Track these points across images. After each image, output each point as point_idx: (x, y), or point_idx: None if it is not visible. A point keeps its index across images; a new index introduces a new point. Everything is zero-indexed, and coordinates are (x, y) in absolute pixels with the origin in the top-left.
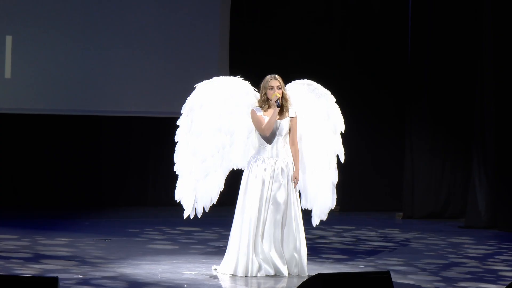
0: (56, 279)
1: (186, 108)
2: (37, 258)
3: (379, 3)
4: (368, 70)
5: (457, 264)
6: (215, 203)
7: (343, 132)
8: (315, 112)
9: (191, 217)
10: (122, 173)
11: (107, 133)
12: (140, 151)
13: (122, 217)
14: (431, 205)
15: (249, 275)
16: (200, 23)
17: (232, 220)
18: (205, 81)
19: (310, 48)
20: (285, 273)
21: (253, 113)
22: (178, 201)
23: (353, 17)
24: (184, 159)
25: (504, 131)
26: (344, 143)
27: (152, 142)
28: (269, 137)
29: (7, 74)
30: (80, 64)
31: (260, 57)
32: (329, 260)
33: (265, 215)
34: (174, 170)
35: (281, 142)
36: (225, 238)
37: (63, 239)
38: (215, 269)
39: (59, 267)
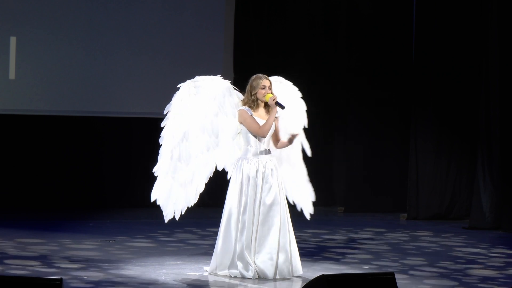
0: (60, 281)
1: (170, 109)
2: (39, 259)
3: (383, 4)
4: (372, 71)
5: (461, 265)
6: (192, 206)
7: (306, 127)
8: (287, 108)
9: (170, 220)
10: (124, 174)
11: (109, 134)
12: (142, 152)
13: (125, 218)
14: (436, 206)
15: (246, 277)
16: (205, 24)
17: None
18: (188, 81)
19: (315, 50)
20: (272, 276)
21: (244, 113)
22: (153, 201)
23: (356, 18)
24: (166, 162)
25: (509, 132)
26: (348, 144)
27: (154, 143)
28: (258, 138)
29: (11, 75)
30: (84, 66)
31: (265, 58)
32: (332, 261)
33: (258, 217)
34: (153, 171)
35: (267, 141)
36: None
37: (65, 240)
38: (206, 271)
39: (62, 269)
